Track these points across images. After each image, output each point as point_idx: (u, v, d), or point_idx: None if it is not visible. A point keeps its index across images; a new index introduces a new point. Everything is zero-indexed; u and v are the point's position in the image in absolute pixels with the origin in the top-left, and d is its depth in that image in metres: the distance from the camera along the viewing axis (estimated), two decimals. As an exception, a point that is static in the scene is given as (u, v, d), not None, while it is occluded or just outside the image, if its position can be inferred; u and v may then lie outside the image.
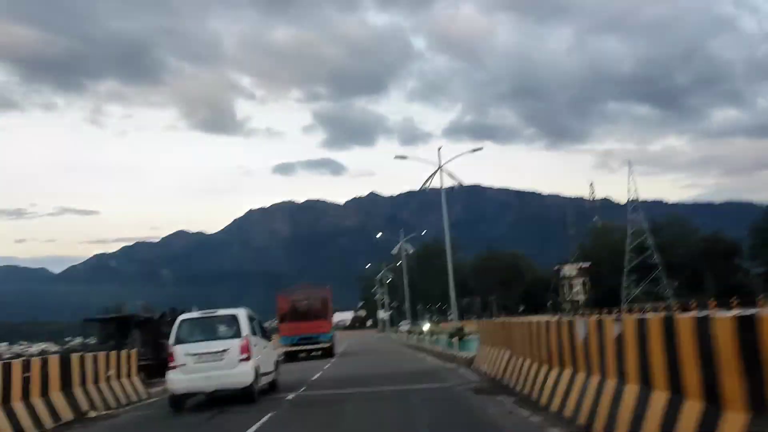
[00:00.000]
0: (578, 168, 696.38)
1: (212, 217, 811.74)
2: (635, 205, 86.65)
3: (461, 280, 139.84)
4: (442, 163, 24.53)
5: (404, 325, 78.25)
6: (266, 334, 13.97)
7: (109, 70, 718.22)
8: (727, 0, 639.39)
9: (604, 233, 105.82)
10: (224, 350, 11.51)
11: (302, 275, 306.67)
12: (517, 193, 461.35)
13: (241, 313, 12.12)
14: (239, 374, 11.48)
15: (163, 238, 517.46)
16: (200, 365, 11.43)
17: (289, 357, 29.55)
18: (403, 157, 25.95)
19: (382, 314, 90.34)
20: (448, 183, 24.39)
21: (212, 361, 11.45)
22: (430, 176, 24.23)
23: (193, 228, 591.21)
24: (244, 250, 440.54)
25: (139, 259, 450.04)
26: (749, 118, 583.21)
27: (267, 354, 13.45)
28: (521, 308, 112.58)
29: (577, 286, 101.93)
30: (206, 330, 12.03)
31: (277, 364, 14.61)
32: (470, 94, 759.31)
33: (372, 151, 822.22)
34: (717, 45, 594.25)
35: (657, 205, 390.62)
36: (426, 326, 63.83)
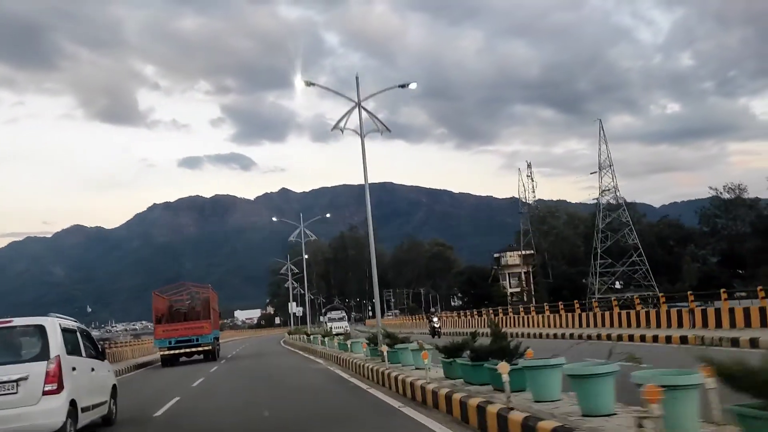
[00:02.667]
0: (486, 168, 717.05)
1: (112, 211, 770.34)
2: (607, 171, 73.43)
3: (379, 273, 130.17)
4: (361, 100, 20.65)
5: (337, 321, 53.60)
6: (99, 352, 10.22)
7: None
8: (624, 10, 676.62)
9: (544, 220, 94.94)
10: (19, 379, 7.70)
11: (210, 272, 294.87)
12: (428, 190, 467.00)
13: (51, 324, 8.30)
14: (43, 413, 7.71)
15: (56, 233, 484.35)
16: None
17: (167, 361, 27.38)
18: (311, 84, 23.10)
19: (294, 308, 73.11)
20: (369, 126, 21.34)
21: (0, 394, 7.64)
22: (345, 115, 21.32)
23: (90, 223, 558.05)
24: (146, 246, 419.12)
25: (29, 255, 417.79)
26: (642, 125, 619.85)
27: (96, 380, 9.64)
28: (457, 302, 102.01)
29: (517, 275, 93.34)
30: None
31: (115, 390, 10.72)
32: (382, 93, 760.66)
33: (283, 146, 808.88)
34: (615, 54, 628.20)
35: (561, 204, 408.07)
36: (436, 320, 34.67)
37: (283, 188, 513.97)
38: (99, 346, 10.37)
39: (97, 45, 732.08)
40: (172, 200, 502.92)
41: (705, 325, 19.06)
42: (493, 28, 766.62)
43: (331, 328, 45.04)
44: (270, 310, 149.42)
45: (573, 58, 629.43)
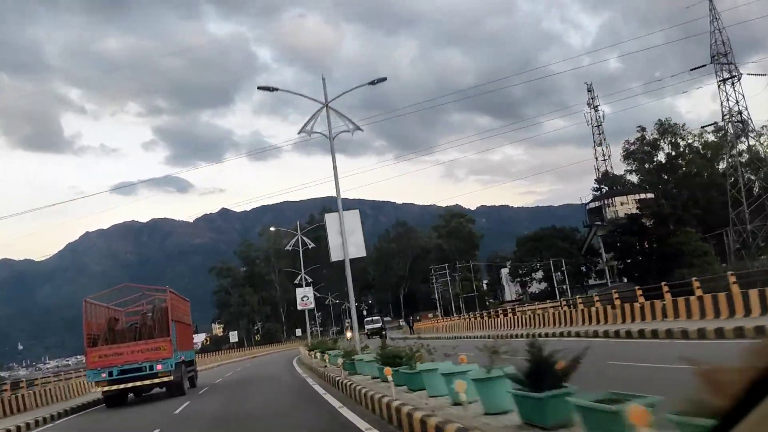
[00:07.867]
0: (427, 177, 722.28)
1: (42, 243, 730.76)
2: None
3: (356, 273, 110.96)
4: (329, 101, 19.95)
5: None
6: None
7: None
8: (554, 15, 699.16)
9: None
10: None
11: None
12: (372, 203, 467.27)
13: None
14: None
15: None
16: None
17: (112, 400, 19.85)
18: (275, 89, 22.15)
19: (306, 293, 42.98)
20: (339, 126, 20.68)
21: None
22: (311, 118, 20.73)
23: (18, 256, 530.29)
24: (81, 276, 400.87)
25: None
26: (575, 128, 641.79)
27: None
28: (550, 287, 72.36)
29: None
30: None
31: None
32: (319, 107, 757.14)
33: (220, 166, 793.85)
34: (546, 59, 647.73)
35: (504, 209, 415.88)
36: None
37: (223, 208, 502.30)
38: None
39: (16, 69, 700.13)
40: (105, 227, 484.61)
41: None
42: (428, 37, 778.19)
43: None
44: (217, 329, 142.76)
45: (507, 64, 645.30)
